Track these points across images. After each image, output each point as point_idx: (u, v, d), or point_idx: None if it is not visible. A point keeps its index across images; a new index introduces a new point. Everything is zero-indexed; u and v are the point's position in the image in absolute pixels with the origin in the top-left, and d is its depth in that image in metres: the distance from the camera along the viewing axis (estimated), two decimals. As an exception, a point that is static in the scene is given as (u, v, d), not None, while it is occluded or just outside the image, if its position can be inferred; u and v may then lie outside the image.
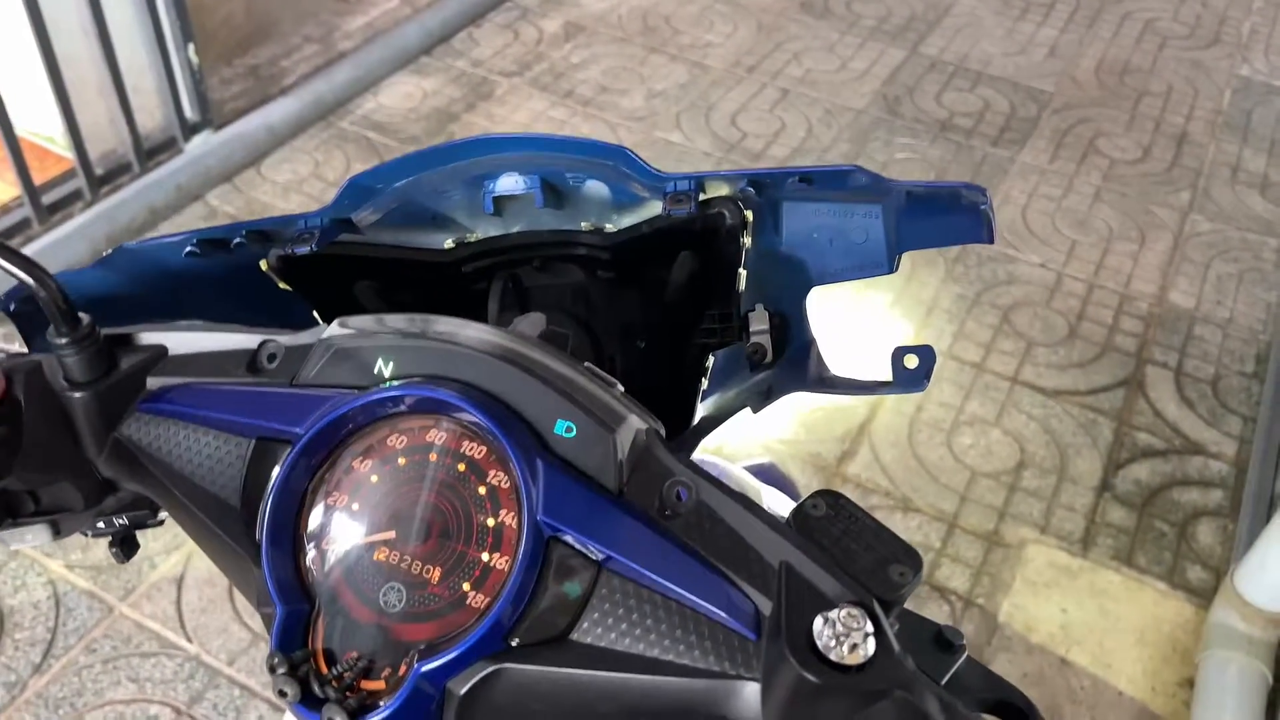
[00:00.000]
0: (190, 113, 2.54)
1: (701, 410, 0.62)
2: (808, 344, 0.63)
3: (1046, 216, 2.74)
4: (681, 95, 3.11)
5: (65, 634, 1.71)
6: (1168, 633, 1.81)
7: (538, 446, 0.44)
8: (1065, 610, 1.83)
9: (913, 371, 0.59)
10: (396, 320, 0.47)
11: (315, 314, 0.62)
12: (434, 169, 0.59)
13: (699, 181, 0.58)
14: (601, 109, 3.03)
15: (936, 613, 1.82)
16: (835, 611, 0.38)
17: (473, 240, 0.63)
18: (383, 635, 0.43)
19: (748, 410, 0.63)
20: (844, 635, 0.38)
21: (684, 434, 0.62)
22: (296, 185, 2.65)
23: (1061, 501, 2.02)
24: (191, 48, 2.45)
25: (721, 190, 0.59)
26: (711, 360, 0.59)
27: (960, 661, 0.45)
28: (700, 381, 0.61)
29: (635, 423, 0.44)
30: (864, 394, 0.62)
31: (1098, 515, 2.00)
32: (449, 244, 0.63)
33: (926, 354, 0.59)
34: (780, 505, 0.88)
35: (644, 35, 3.38)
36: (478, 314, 0.64)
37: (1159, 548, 1.95)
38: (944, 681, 0.44)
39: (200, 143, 2.59)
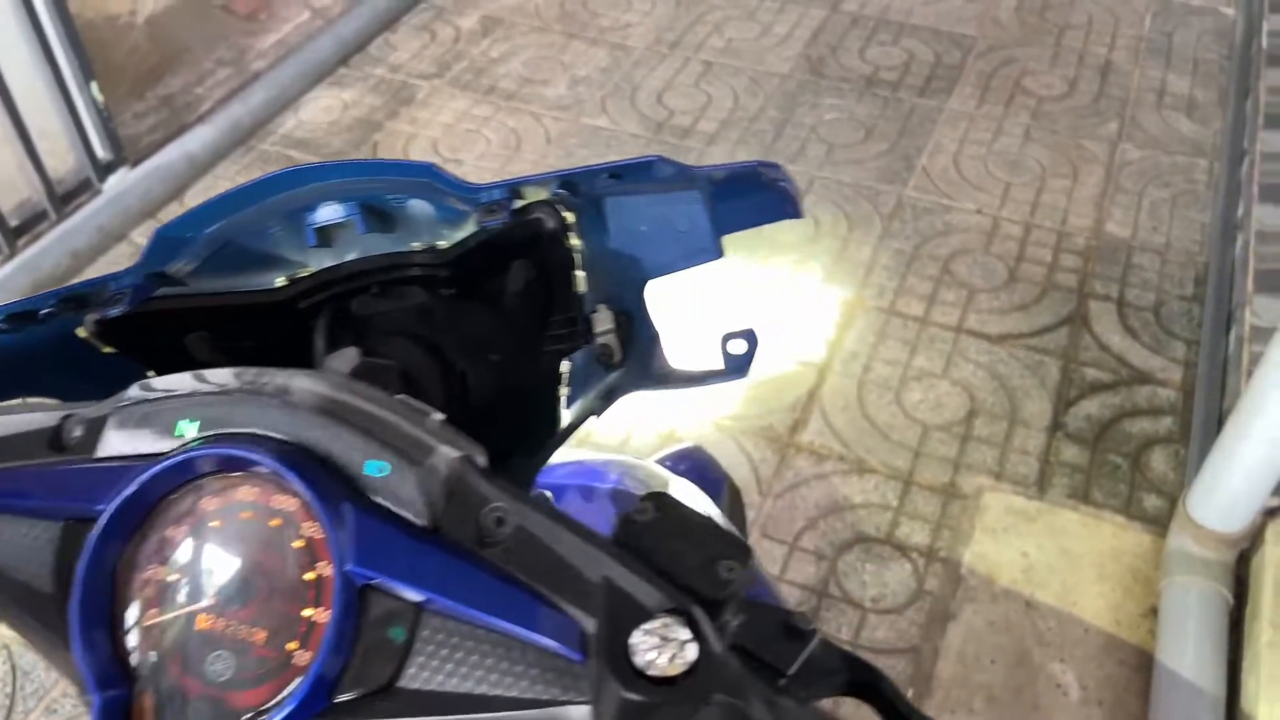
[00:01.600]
0: (102, 152, 2.49)
1: (569, 416, 0.61)
2: (654, 339, 0.62)
3: (979, 161, 2.74)
4: (605, 79, 3.09)
5: (24, 697, 1.68)
6: (1128, 564, 1.82)
7: (347, 492, 0.42)
8: (1026, 554, 1.84)
9: (738, 357, 0.59)
10: (187, 379, 0.46)
11: (151, 375, 0.60)
12: (243, 210, 0.57)
13: (512, 189, 0.57)
14: (526, 101, 3.00)
15: (899, 572, 1.82)
16: (652, 622, 0.37)
17: (304, 275, 0.61)
18: (213, 706, 0.42)
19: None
20: (662, 646, 0.37)
21: (547, 444, 0.61)
22: (222, 213, 2.61)
23: (1014, 446, 2.02)
24: (94, 86, 2.39)
25: (539, 195, 0.58)
26: (566, 366, 0.59)
27: (812, 647, 0.44)
28: (559, 389, 0.60)
29: (446, 453, 0.43)
30: (695, 385, 0.61)
31: (1051, 456, 2.01)
32: (281, 282, 0.61)
33: (751, 338, 0.59)
34: (688, 496, 0.87)
35: (562, 22, 3.34)
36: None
37: (1114, 481, 1.96)
38: (794, 670, 0.43)
39: (117, 181, 2.54)
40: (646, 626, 0.38)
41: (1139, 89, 2.99)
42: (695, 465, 1.11)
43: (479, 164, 2.77)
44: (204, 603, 0.43)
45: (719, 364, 0.61)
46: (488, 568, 0.41)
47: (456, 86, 3.07)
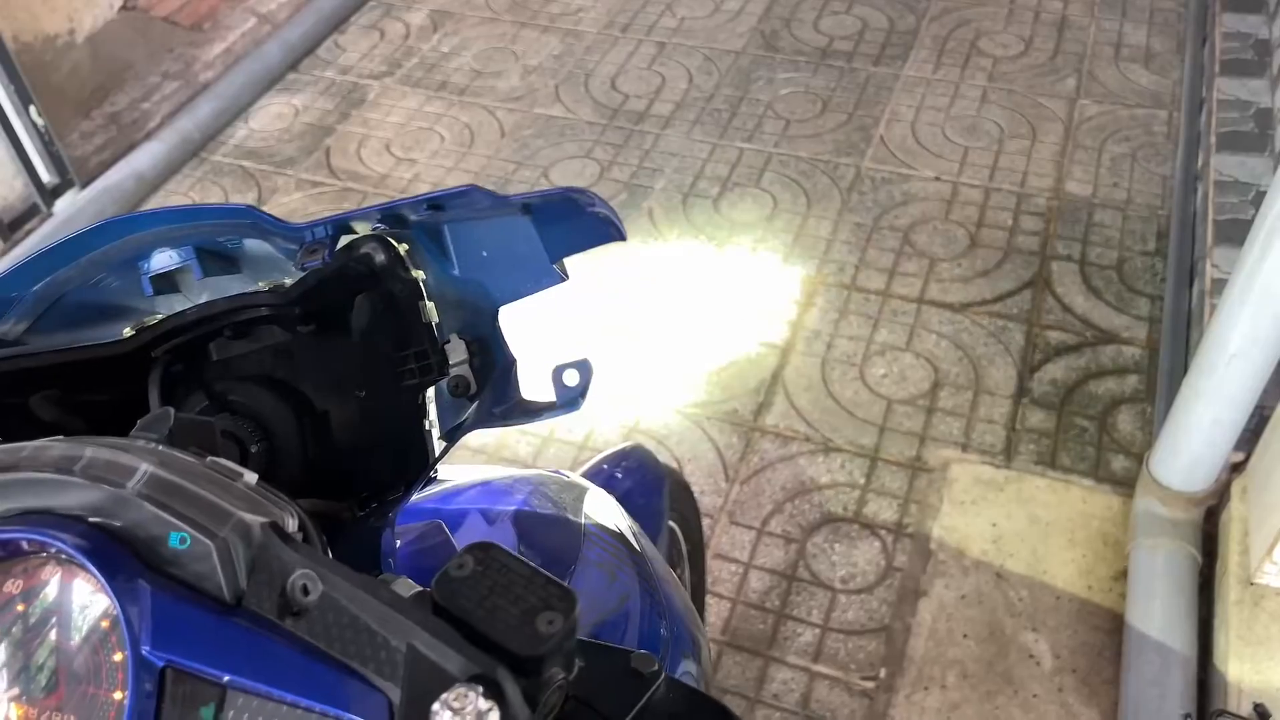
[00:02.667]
0: (47, 175, 2.46)
1: (438, 446, 0.59)
2: (510, 366, 0.60)
3: (936, 128, 2.71)
4: (558, 67, 3.05)
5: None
6: (1097, 529, 1.81)
7: (143, 570, 0.40)
8: (995, 524, 1.83)
9: (571, 389, 0.57)
10: None
11: None
12: (66, 266, 0.55)
13: (338, 225, 0.55)
14: (478, 95, 2.96)
15: (867, 550, 1.81)
16: (450, 692, 0.36)
17: (151, 323, 0.59)
18: None
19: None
20: (459, 716, 0.35)
21: (421, 475, 0.59)
22: (175, 230, 2.58)
23: (980, 415, 2.01)
24: (34, 109, 2.36)
25: (365, 229, 0.56)
26: (430, 396, 0.57)
27: (655, 689, 0.43)
28: (426, 421, 0.58)
29: (247, 520, 0.41)
30: (533, 419, 0.60)
31: (1017, 423, 1.99)
32: (128, 332, 0.59)
33: (585, 369, 0.57)
34: (603, 508, 0.85)
35: (512, 11, 3.30)
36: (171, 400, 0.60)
37: (1081, 444, 1.94)
38: (635, 712, 0.42)
39: (67, 203, 2.51)
40: (445, 697, 0.36)
41: (1096, 42, 2.96)
42: (633, 466, 1.10)
43: (432, 161, 2.74)
44: (11, 691, 0.41)
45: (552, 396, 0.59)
46: (293, 642, 0.39)
47: (408, 84, 3.03)
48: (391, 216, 0.55)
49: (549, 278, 0.58)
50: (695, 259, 2.38)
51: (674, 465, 1.94)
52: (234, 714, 0.39)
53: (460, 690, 0.36)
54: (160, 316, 0.60)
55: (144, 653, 0.39)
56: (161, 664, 0.39)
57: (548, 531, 0.78)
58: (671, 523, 1.13)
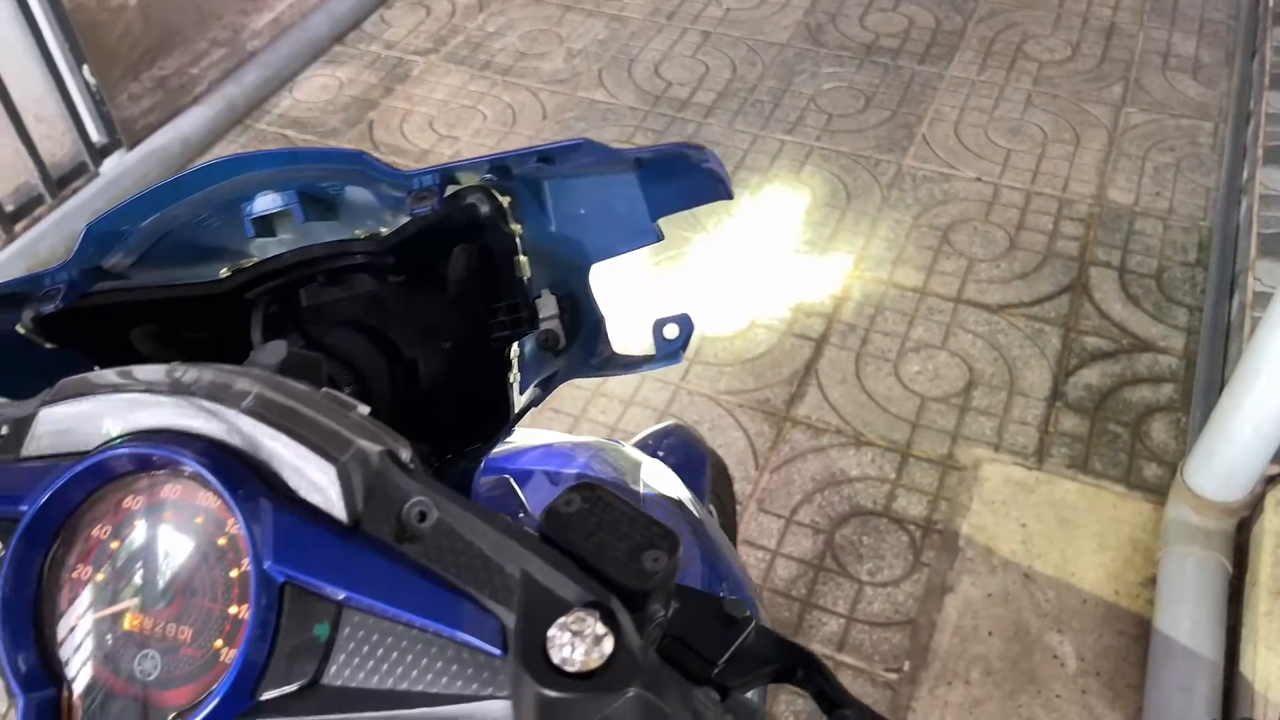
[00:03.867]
0: (97, 135, 2.49)
1: (521, 401, 0.60)
2: (599, 323, 0.61)
3: (979, 129, 2.71)
4: (602, 51, 3.06)
5: None
6: (1127, 534, 1.81)
7: (266, 489, 0.41)
8: (1025, 525, 1.83)
9: (671, 342, 0.58)
10: (112, 376, 0.45)
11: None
12: (176, 203, 0.57)
13: (444, 174, 0.56)
14: (522, 76, 2.97)
15: (895, 544, 1.82)
16: (568, 616, 0.37)
17: (248, 265, 0.61)
18: (142, 706, 0.42)
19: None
20: (576, 639, 0.37)
21: (503, 428, 0.60)
22: (218, 195, 2.61)
23: (1013, 417, 2.01)
24: (86, 69, 2.39)
25: (471, 180, 0.57)
26: (515, 351, 0.58)
27: (746, 634, 0.44)
28: (510, 374, 0.59)
29: (366, 448, 0.42)
30: (630, 371, 0.61)
31: (1050, 426, 1.99)
32: (224, 273, 0.61)
33: (685, 323, 0.58)
34: (660, 478, 0.86)
35: (558, -6, 3.30)
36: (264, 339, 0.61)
37: (1114, 450, 1.94)
38: (727, 656, 0.43)
39: (114, 164, 2.54)
40: (562, 621, 0.37)
41: (1143, 51, 2.94)
42: (676, 444, 1.11)
43: (474, 140, 2.76)
44: (130, 602, 0.43)
45: (652, 349, 0.60)
46: (408, 564, 0.40)
47: (452, 62, 3.04)
48: (499, 168, 0.56)
49: (645, 236, 0.59)
50: (733, 248, 2.39)
51: (706, 450, 1.95)
52: (349, 631, 0.40)
53: (578, 614, 0.37)
54: (255, 259, 0.61)
55: (265, 568, 0.40)
56: (282, 579, 0.40)
57: (612, 495, 0.79)
58: (709, 505, 1.14)
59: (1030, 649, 1.68)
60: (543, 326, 0.59)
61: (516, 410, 0.58)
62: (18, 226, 2.35)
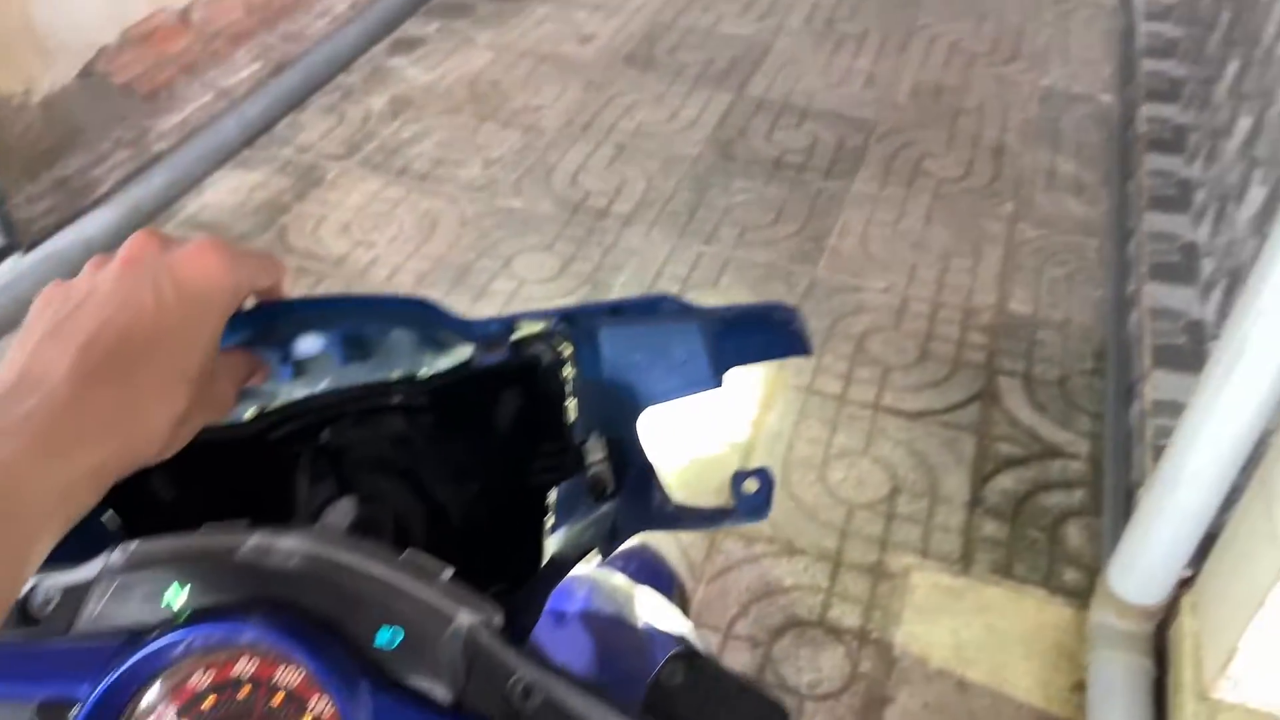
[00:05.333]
0: (-7, 237, 2.38)
1: (551, 546, 0.59)
2: (647, 469, 0.60)
3: (885, 242, 2.83)
4: (519, 160, 3.10)
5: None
6: (1053, 639, 1.85)
7: (359, 665, 0.39)
8: (956, 632, 1.86)
9: (753, 497, 0.58)
10: (171, 542, 0.42)
11: (117, 521, 0.56)
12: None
13: (510, 323, 0.56)
14: (439, 182, 2.98)
15: (834, 655, 1.82)
16: None
17: (276, 407, 0.58)
18: None
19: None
20: None
21: (535, 577, 0.58)
22: (122, 299, 2.51)
23: (937, 523, 2.06)
24: (-14, 170, 2.29)
25: (535, 328, 0.56)
26: (553, 495, 0.57)
27: None
28: (545, 519, 0.58)
29: (464, 618, 0.40)
30: (708, 526, 0.61)
31: (973, 531, 2.04)
32: (250, 414, 0.58)
33: (764, 478, 0.58)
34: (654, 608, 0.85)
35: (473, 104, 3.35)
36: (292, 484, 0.59)
37: (1034, 555, 2.00)
38: None
39: (9, 268, 2.43)
40: None
41: (1031, 170, 3.14)
42: (645, 564, 1.10)
43: (392, 246, 2.74)
44: None
45: (730, 503, 0.59)
46: None
47: (367, 168, 3.04)
48: (569, 318, 0.56)
49: (704, 384, 0.58)
50: (657, 356, 2.41)
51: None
52: None
53: None
54: (282, 400, 0.58)
55: None
56: None
57: (619, 635, 0.78)
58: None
59: (970, 759, 1.69)
60: (590, 471, 0.58)
61: (564, 558, 0.57)
62: (-98, 333, 2.21)
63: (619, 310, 0.55)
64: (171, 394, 0.44)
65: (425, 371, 0.58)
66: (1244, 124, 2.42)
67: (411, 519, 0.58)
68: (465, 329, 0.55)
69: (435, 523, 0.60)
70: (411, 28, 3.75)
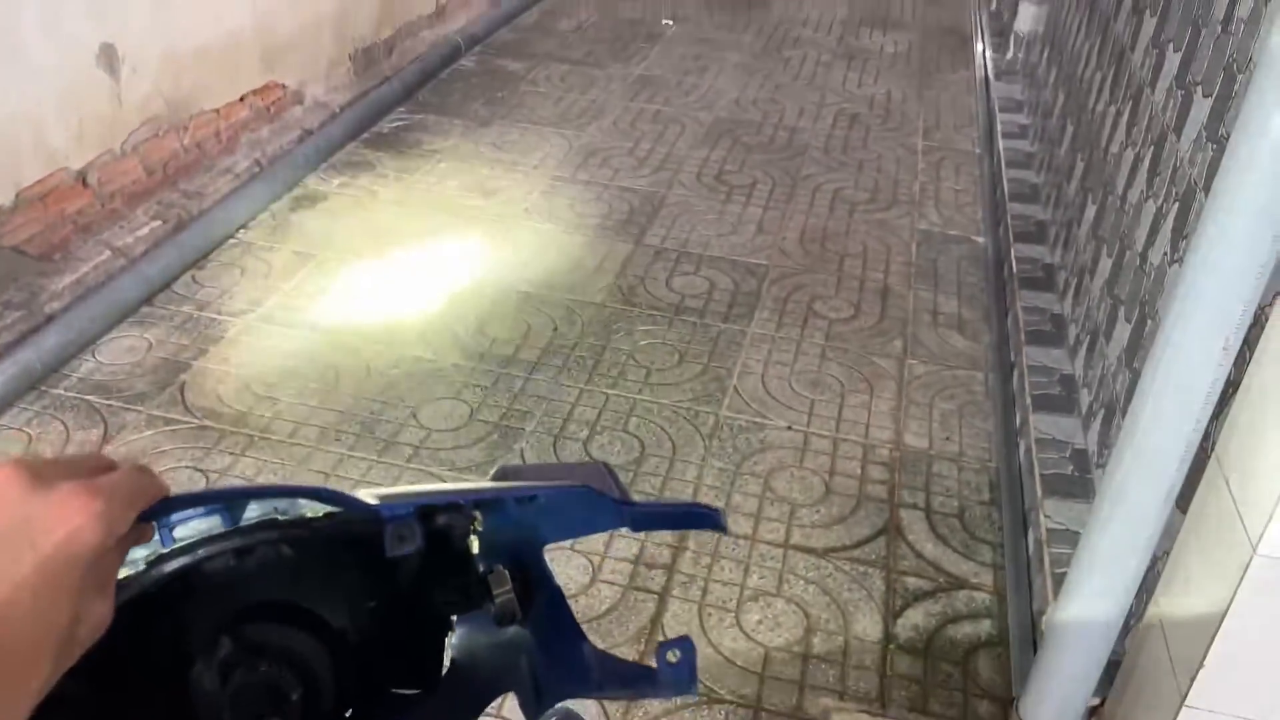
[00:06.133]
0: None
1: (451, 654, 0.60)
2: (556, 596, 0.62)
3: (783, 381, 2.93)
4: (424, 310, 3.13)
5: None
6: (973, 774, 1.87)
7: None
8: (878, 773, 1.86)
9: (677, 668, 0.60)
10: None
11: None
12: None
13: (420, 509, 0.57)
14: (343, 334, 2.98)
15: (760, 807, 1.80)
16: None
17: (148, 558, 0.57)
18: None
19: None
20: None
21: (438, 682, 0.60)
22: (9, 467, 2.41)
23: (853, 662, 2.08)
24: None
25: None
26: (454, 624, 0.58)
27: None
28: (447, 635, 0.59)
29: None
30: (633, 697, 0.63)
31: (888, 668, 2.07)
32: (141, 563, 0.57)
33: (686, 648, 0.60)
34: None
35: (377, 256, 3.39)
36: (185, 632, 0.58)
37: (948, 689, 2.03)
38: None
39: (-114, 438, 2.32)
40: None
41: (915, 309, 3.31)
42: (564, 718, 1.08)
43: (296, 401, 2.71)
44: None
45: (655, 670, 0.61)
46: None
47: (270, 322, 3.02)
48: (481, 504, 0.58)
49: (612, 525, 0.60)
50: (568, 504, 2.42)
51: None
52: None
53: None
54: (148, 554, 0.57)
55: None
56: None
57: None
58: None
59: None
60: (498, 601, 0.59)
61: (462, 664, 0.58)
62: None
63: (534, 499, 0.58)
64: (25, 674, 0.41)
65: (311, 513, 0.59)
66: (1105, 264, 2.62)
67: (320, 667, 0.58)
68: (369, 512, 0.56)
69: (333, 648, 0.60)
70: (313, 183, 3.81)
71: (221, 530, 0.56)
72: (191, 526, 0.57)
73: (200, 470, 2.43)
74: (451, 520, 0.60)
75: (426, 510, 0.59)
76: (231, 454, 2.50)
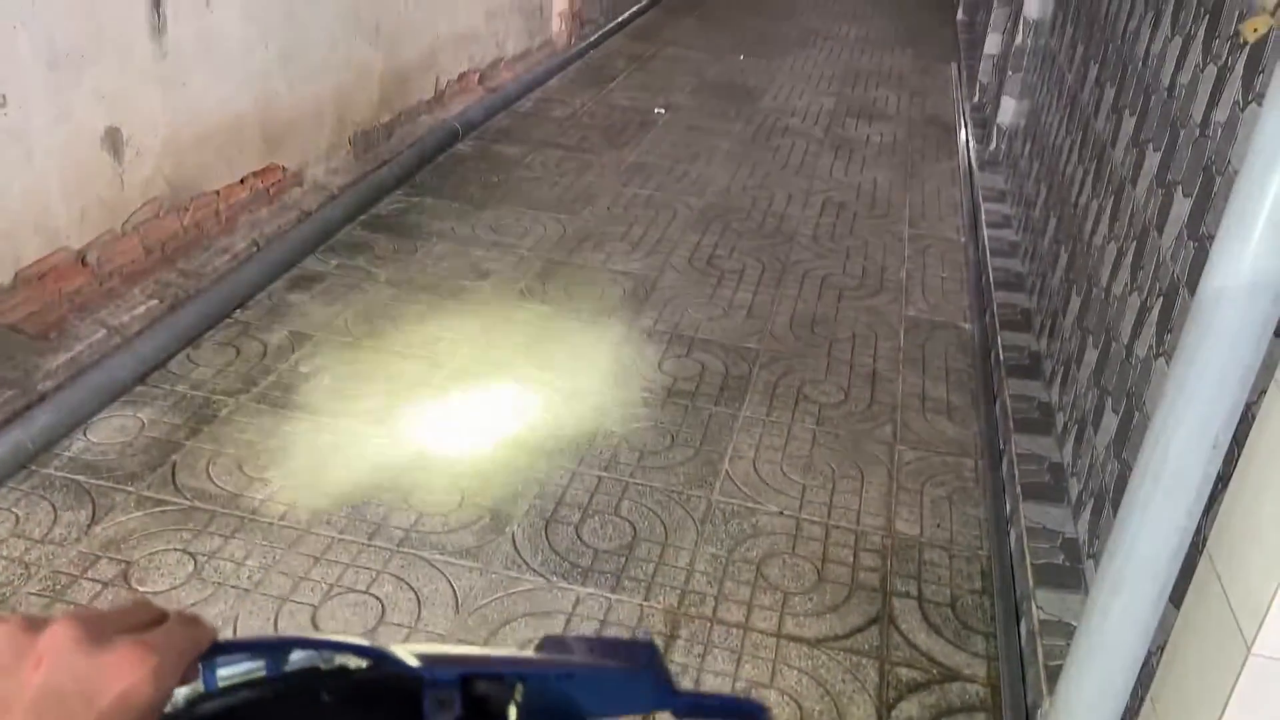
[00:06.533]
0: None
1: None
2: None
3: (775, 465, 2.94)
4: (418, 393, 3.14)
5: None
6: None
7: None
8: None
9: None
10: None
11: None
12: None
13: (464, 678, 0.58)
14: (337, 416, 2.99)
15: None
16: None
17: (189, 697, 0.58)
18: None
19: None
20: None
21: None
22: (-5, 547, 2.39)
23: (847, 754, 2.06)
24: None
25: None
26: None
27: None
28: None
29: None
30: None
31: (882, 762, 2.05)
32: (183, 700, 0.58)
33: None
34: None
35: (372, 338, 3.42)
36: None
37: (943, 784, 2.01)
38: None
39: (-127, 517, 2.30)
40: None
41: (904, 395, 3.35)
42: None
43: (288, 482, 2.70)
44: None
45: None
46: None
47: (263, 403, 3.03)
48: (524, 677, 0.59)
49: (654, 705, 0.61)
50: (559, 587, 2.41)
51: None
52: None
53: None
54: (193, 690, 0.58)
55: None
56: None
57: None
58: None
59: None
60: None
61: None
62: None
63: (573, 675, 0.59)
64: None
65: (354, 664, 0.60)
66: (1091, 355, 2.67)
67: None
68: (416, 675, 0.58)
69: None
70: (311, 264, 3.86)
71: (264, 675, 0.57)
72: (235, 668, 0.58)
73: (189, 553, 2.42)
74: (491, 690, 0.61)
75: (468, 677, 0.60)
76: (221, 535, 2.49)
